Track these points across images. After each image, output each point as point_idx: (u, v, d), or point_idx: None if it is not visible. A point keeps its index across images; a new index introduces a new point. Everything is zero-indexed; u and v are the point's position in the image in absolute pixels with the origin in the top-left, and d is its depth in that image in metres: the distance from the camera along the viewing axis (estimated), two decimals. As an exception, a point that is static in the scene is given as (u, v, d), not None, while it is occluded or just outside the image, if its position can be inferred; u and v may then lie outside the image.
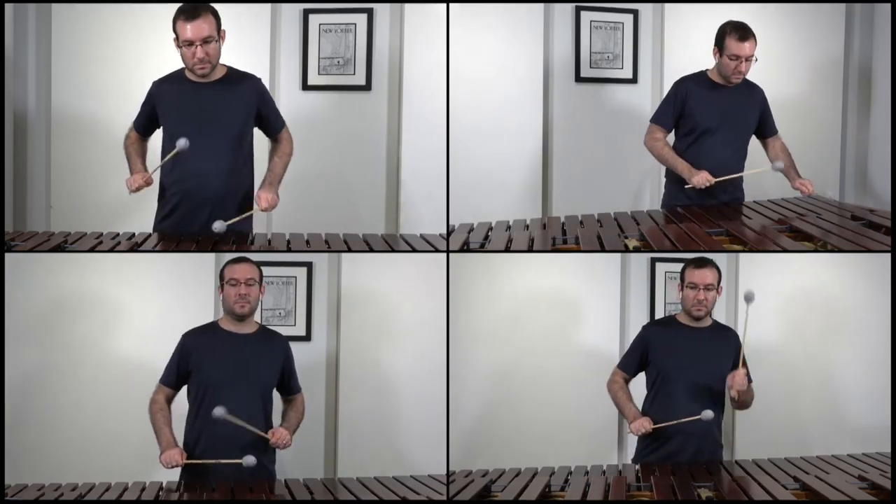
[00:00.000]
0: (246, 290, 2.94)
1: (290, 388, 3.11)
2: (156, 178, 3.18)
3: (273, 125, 3.30)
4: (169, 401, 2.97)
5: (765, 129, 3.66)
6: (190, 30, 3.02)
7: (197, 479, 2.85)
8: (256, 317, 3.74)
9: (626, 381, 3.26)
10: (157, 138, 3.27)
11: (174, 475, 2.92)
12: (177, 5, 3.96)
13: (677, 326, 3.19)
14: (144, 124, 3.25)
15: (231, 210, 3.16)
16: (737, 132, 3.57)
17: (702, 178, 3.42)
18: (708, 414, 2.99)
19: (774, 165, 3.47)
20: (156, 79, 3.23)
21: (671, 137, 3.64)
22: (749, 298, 2.93)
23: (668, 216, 3.37)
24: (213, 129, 3.13)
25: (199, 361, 2.92)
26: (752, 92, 3.60)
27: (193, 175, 3.13)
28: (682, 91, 3.56)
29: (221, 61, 3.18)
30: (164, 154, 3.16)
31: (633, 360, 3.24)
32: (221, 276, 3.00)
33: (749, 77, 3.54)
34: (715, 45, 3.49)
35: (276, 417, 3.09)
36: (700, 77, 3.58)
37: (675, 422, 3.03)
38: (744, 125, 3.60)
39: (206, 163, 3.13)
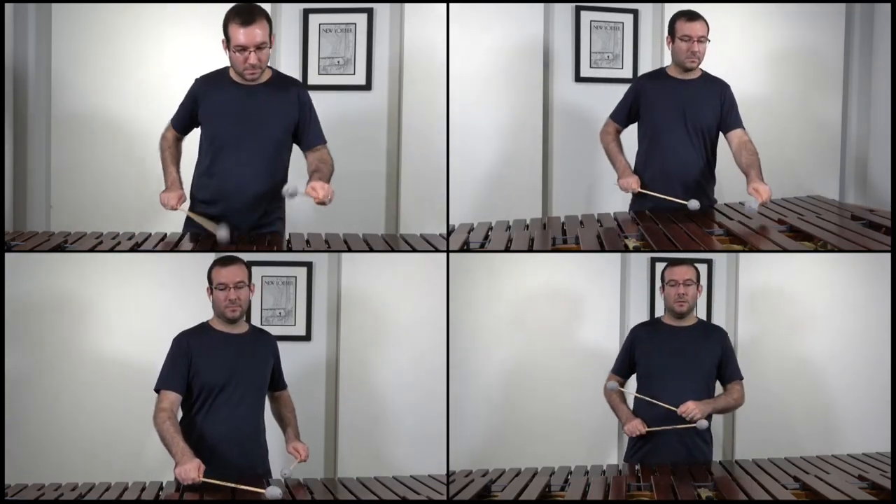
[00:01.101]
0: (236, 294, 2.89)
1: (279, 384, 3.11)
2: (187, 187, 3.20)
3: (307, 137, 3.18)
4: (175, 409, 2.84)
5: (725, 121, 3.49)
6: (244, 35, 2.95)
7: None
8: (256, 316, 3.78)
9: (621, 385, 3.30)
10: (191, 141, 3.27)
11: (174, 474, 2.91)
12: (178, 5, 3.99)
13: (661, 326, 3.24)
14: (184, 122, 3.20)
15: (262, 215, 3.16)
16: (693, 127, 3.46)
17: (626, 183, 3.42)
18: (703, 424, 3.04)
19: (691, 204, 3.29)
20: (198, 76, 3.19)
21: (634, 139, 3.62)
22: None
23: (667, 216, 3.36)
24: (256, 134, 3.11)
25: (197, 363, 2.89)
26: (713, 86, 3.50)
27: (232, 177, 3.11)
28: (638, 88, 3.55)
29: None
30: (200, 155, 3.16)
31: (623, 363, 3.30)
32: (210, 279, 2.94)
33: (750, 74, 3.52)
34: (667, 35, 3.45)
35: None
36: (657, 72, 3.58)
37: (669, 427, 3.06)
38: (701, 120, 3.47)
39: (245, 167, 3.11)
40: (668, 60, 3.54)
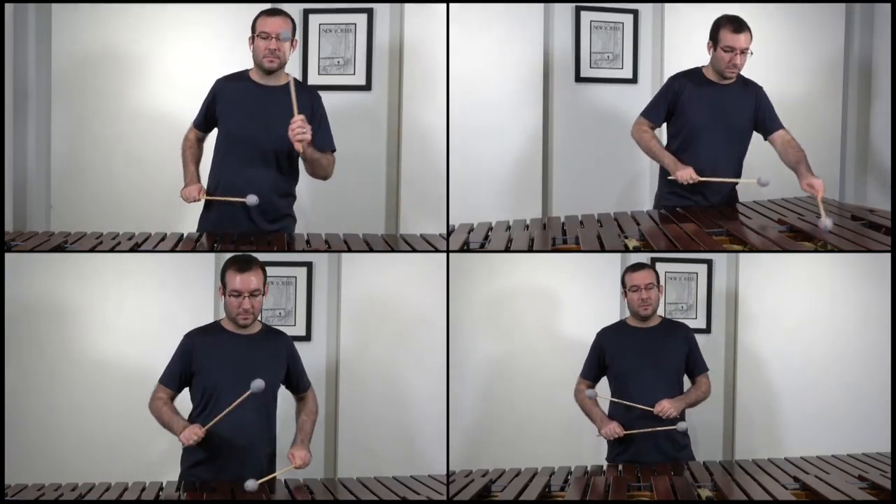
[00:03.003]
0: (250, 303, 2.85)
1: (299, 386, 3.07)
2: (204, 179, 3.25)
3: (315, 139, 3.20)
4: (171, 401, 2.89)
5: (765, 125, 3.51)
6: (270, 23, 3.16)
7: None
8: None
9: (591, 387, 3.33)
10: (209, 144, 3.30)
11: (174, 474, 2.92)
12: (178, 6, 3.99)
13: (627, 329, 3.28)
14: (205, 121, 3.30)
15: (273, 212, 3.21)
16: (730, 131, 3.46)
17: (686, 174, 3.36)
18: (683, 425, 3.11)
19: (761, 180, 3.27)
20: (220, 76, 3.29)
21: (663, 137, 3.61)
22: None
23: (667, 216, 3.36)
24: (268, 132, 3.18)
25: (202, 363, 2.88)
26: (748, 90, 3.49)
27: (242, 176, 3.17)
28: (676, 87, 3.49)
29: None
30: (215, 152, 3.22)
31: (592, 367, 3.33)
32: (224, 281, 2.89)
33: (749, 75, 3.51)
34: (709, 39, 3.42)
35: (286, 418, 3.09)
36: (694, 73, 3.52)
37: (649, 429, 3.09)
38: (737, 124, 3.47)
39: (256, 166, 3.18)
40: (668, 60, 3.55)
